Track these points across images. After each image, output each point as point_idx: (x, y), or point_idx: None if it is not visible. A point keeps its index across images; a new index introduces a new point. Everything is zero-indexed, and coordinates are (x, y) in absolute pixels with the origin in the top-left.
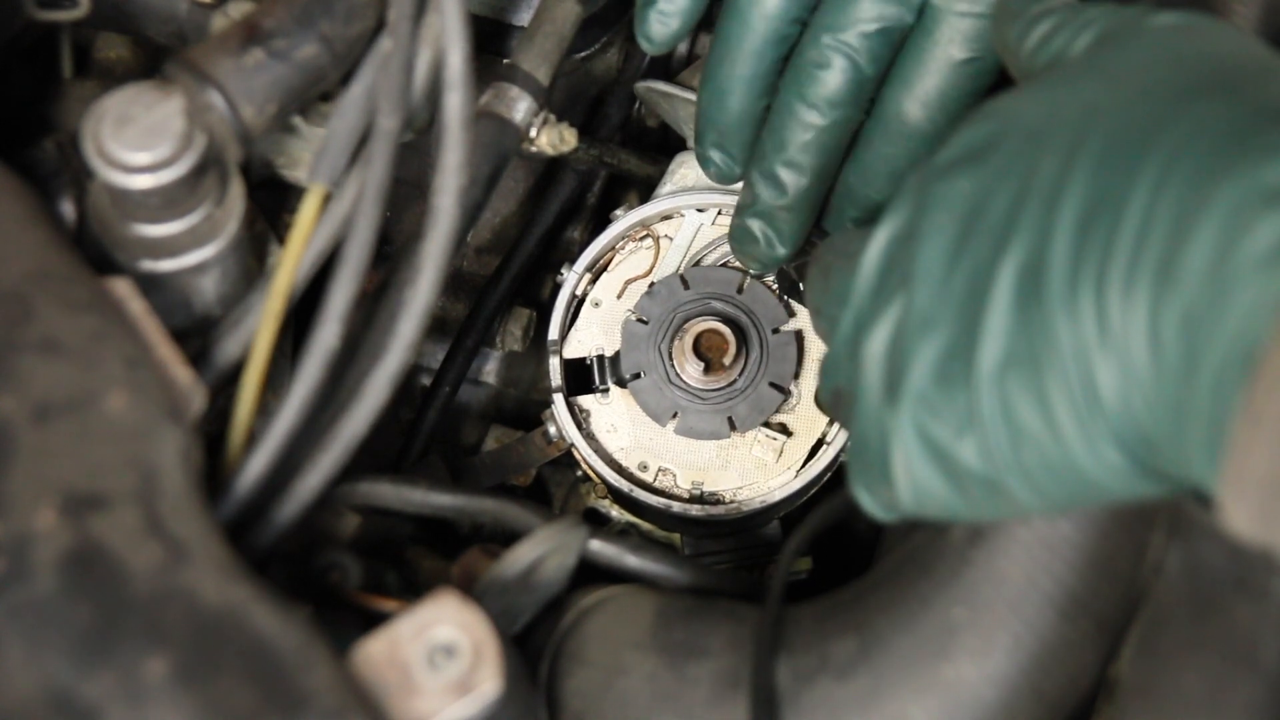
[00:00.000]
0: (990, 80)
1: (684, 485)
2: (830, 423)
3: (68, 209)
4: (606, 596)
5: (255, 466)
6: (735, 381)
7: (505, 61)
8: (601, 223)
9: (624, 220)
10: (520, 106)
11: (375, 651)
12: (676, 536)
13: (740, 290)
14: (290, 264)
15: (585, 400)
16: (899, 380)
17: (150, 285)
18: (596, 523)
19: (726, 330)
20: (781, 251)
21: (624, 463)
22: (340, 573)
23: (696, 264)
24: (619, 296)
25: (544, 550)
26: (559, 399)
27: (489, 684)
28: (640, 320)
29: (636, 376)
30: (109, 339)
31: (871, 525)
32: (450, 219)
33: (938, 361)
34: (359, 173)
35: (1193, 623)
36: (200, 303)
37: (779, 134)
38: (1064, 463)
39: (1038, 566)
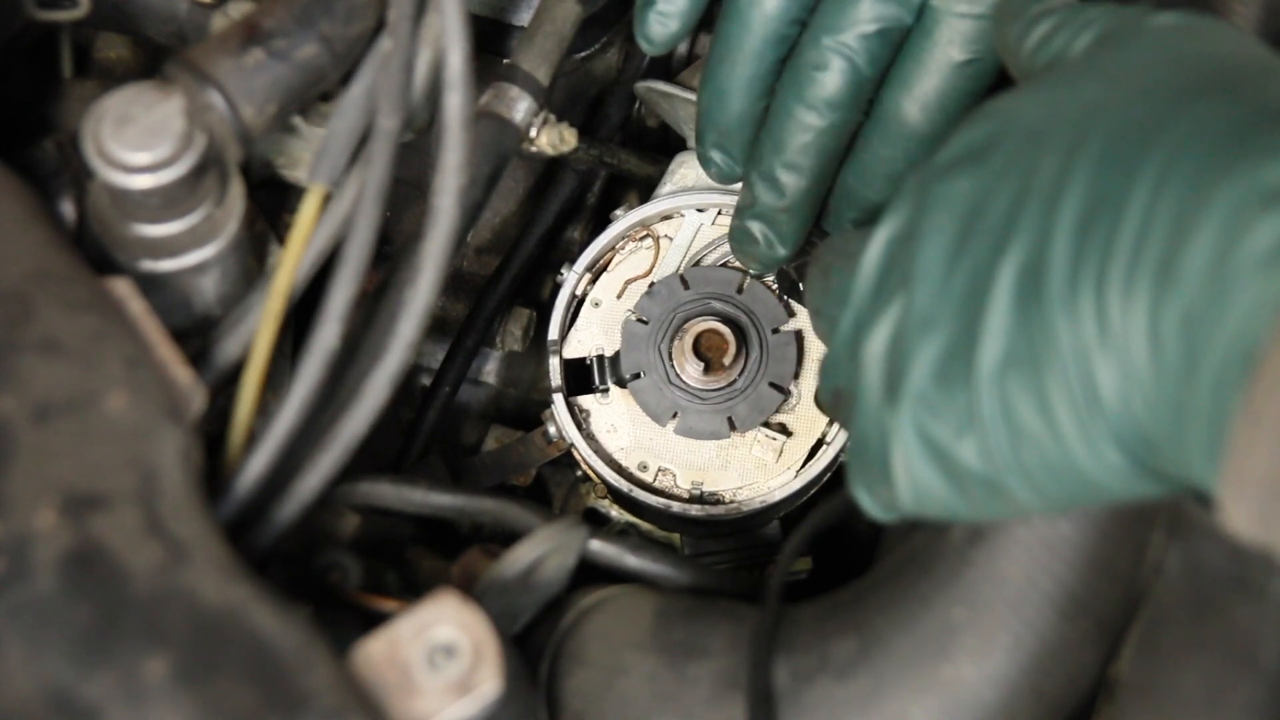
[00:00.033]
0: (989, 81)
1: (684, 485)
2: (830, 423)
3: (68, 209)
4: (606, 596)
5: (255, 466)
6: (735, 381)
7: (505, 61)
8: (601, 223)
9: (624, 220)
10: (520, 106)
11: (375, 651)
12: (676, 536)
13: (740, 290)
14: (290, 264)
15: (585, 400)
16: (899, 380)
17: (150, 285)
18: (596, 523)
19: (726, 330)
20: (781, 252)
21: (624, 463)
22: (340, 573)
23: (696, 264)
24: (619, 296)
25: (544, 550)
26: (559, 399)
27: (489, 684)
28: (640, 320)
29: (636, 376)
30: (109, 339)
31: (871, 525)
32: (450, 219)
33: (938, 361)
34: (359, 173)
35: (1193, 623)
36: (200, 303)
37: (778, 136)
38: (1064, 463)
39: (1038, 566)
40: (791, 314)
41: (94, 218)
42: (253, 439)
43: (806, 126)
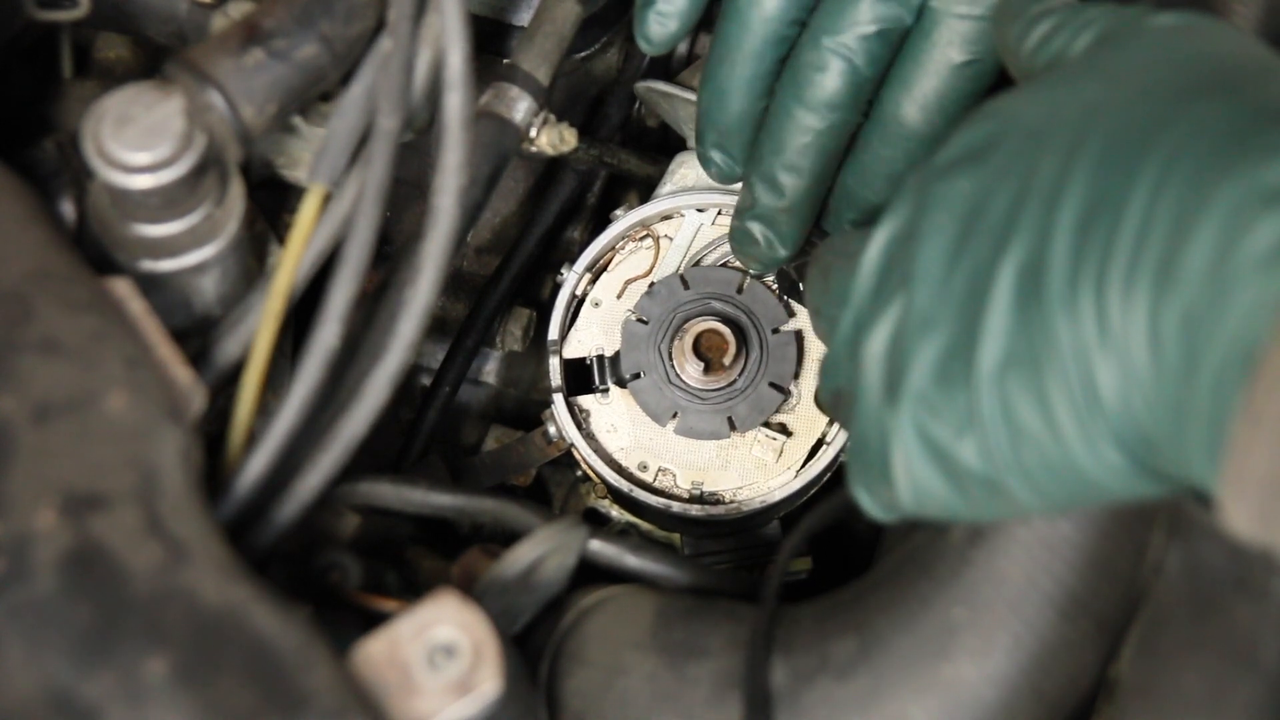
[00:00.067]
0: (989, 82)
1: (684, 485)
2: (830, 423)
3: (68, 209)
4: (606, 596)
5: (255, 466)
6: (735, 381)
7: (505, 61)
8: (601, 223)
9: (624, 220)
10: (520, 106)
11: (375, 651)
12: (676, 536)
13: (740, 290)
14: (290, 264)
15: (585, 400)
16: (899, 380)
17: (150, 285)
18: (596, 523)
19: (726, 330)
20: (782, 253)
21: (624, 463)
22: (340, 573)
23: (696, 264)
24: (619, 296)
25: (544, 550)
26: (559, 399)
27: (489, 684)
28: (640, 320)
29: (636, 376)
30: (109, 339)
31: (871, 525)
32: (450, 219)
33: (938, 361)
34: (359, 173)
35: (1193, 623)
36: (200, 303)
37: (777, 137)
38: (1064, 463)
39: (1038, 566)
40: (791, 314)
41: (94, 218)
42: (253, 439)
43: (806, 128)
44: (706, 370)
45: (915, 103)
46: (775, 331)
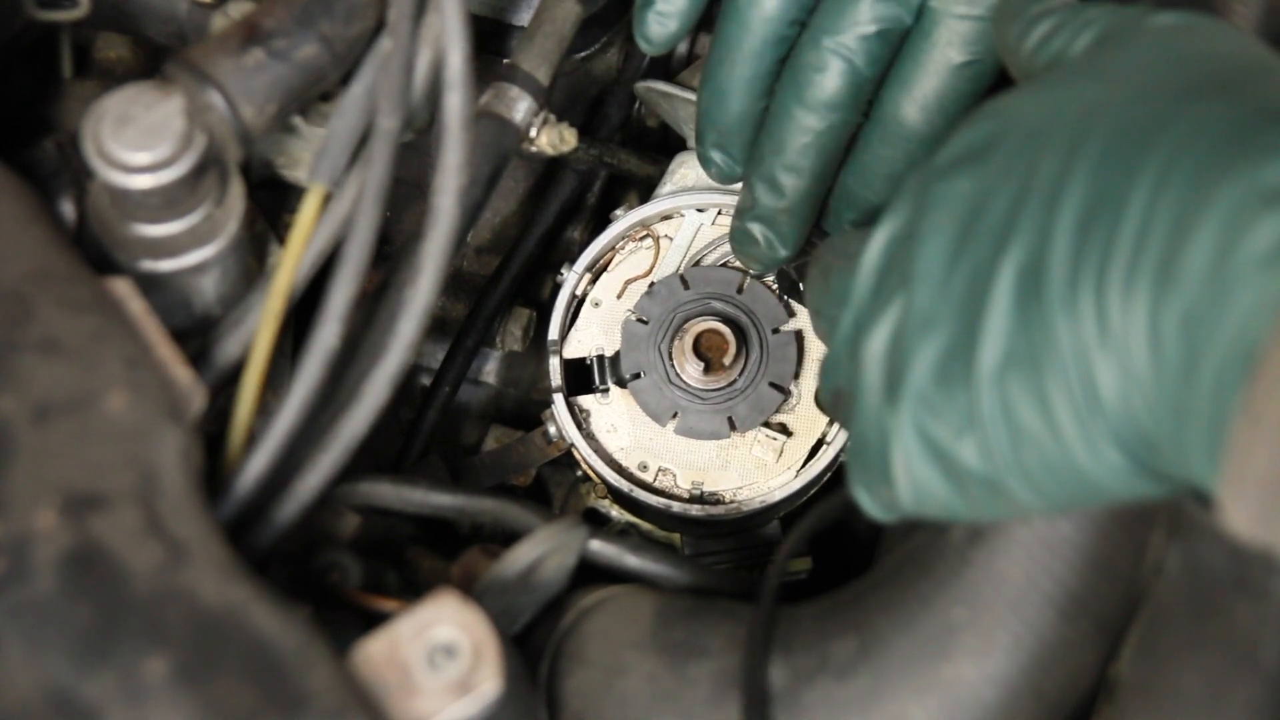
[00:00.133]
0: (989, 83)
1: (684, 485)
2: (830, 423)
3: (68, 209)
4: (606, 596)
5: (255, 466)
6: (735, 381)
7: (505, 61)
8: (601, 223)
9: (624, 220)
10: (520, 106)
11: (375, 651)
12: (676, 536)
13: (740, 290)
14: (290, 264)
15: (585, 400)
16: (899, 380)
17: (150, 285)
18: (596, 523)
19: (726, 330)
20: (782, 253)
21: (624, 463)
22: (340, 573)
23: (696, 264)
24: (619, 296)
25: (544, 550)
26: (559, 399)
27: (489, 684)
28: (640, 320)
29: (636, 376)
30: (109, 339)
31: (871, 525)
32: (450, 219)
33: (938, 361)
34: (359, 173)
35: (1193, 623)
36: (200, 303)
37: (777, 137)
38: (1064, 463)
39: (1038, 566)
40: (792, 314)
41: (94, 218)
42: (253, 439)
43: (806, 128)
44: (706, 370)
45: (915, 103)
46: (775, 331)
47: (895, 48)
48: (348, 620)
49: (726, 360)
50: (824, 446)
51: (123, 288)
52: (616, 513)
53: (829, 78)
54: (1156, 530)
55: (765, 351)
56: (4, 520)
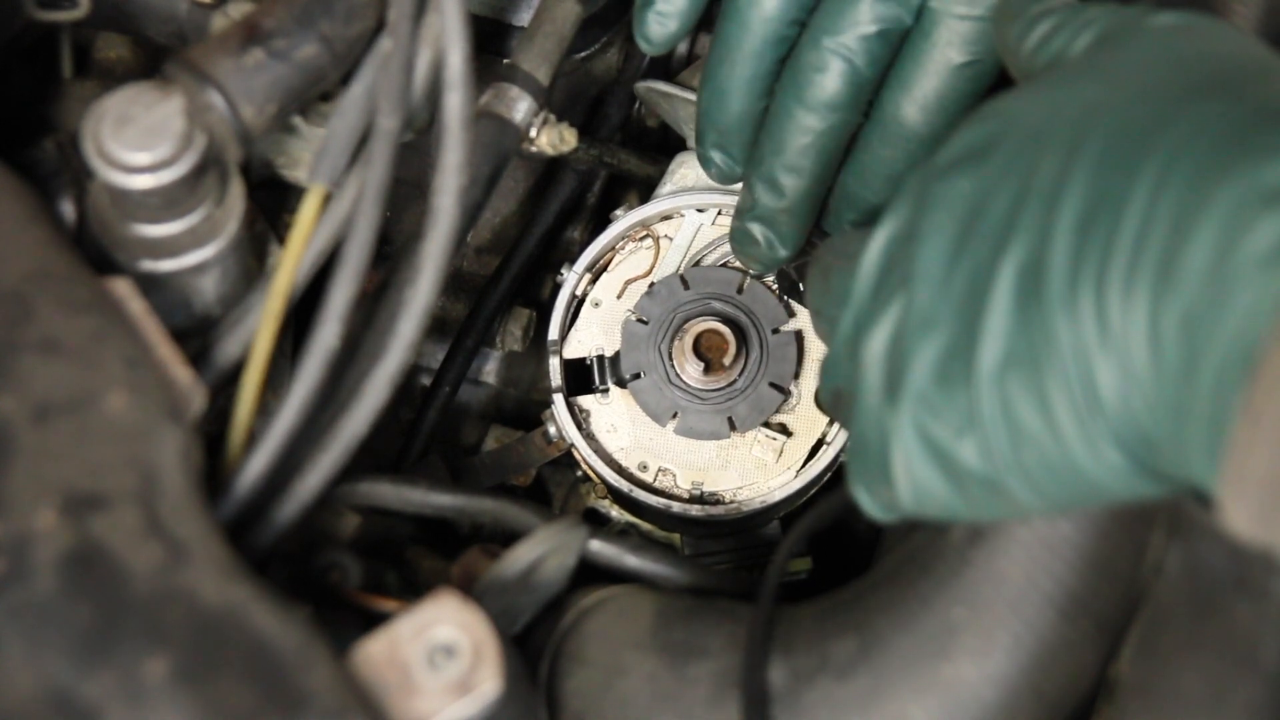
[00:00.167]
0: (989, 83)
1: (684, 485)
2: (830, 423)
3: (68, 209)
4: (606, 596)
5: (255, 466)
6: (735, 381)
7: (505, 61)
8: (601, 223)
9: (624, 220)
10: (520, 106)
11: (375, 651)
12: (676, 536)
13: (740, 290)
14: (290, 264)
15: (585, 400)
16: (899, 380)
17: (150, 285)
18: (596, 523)
19: (726, 330)
20: (782, 253)
21: (624, 463)
22: (340, 573)
23: (696, 264)
24: (619, 296)
25: (544, 550)
26: (559, 399)
27: (489, 684)
28: (640, 320)
29: (636, 376)
30: (109, 339)
31: (871, 525)
32: (450, 219)
33: (938, 361)
34: (359, 173)
35: (1193, 623)
36: (200, 303)
37: (777, 137)
38: (1064, 463)
39: (1038, 566)
40: (792, 314)
41: (94, 218)
42: (253, 439)
43: (806, 128)
44: (706, 370)
45: (915, 103)
46: (775, 331)
47: (895, 48)
48: (348, 620)
49: (726, 360)
50: (824, 446)
51: (123, 288)
52: (616, 513)
53: (829, 78)
54: (1156, 530)
55: (765, 352)
56: (4, 520)
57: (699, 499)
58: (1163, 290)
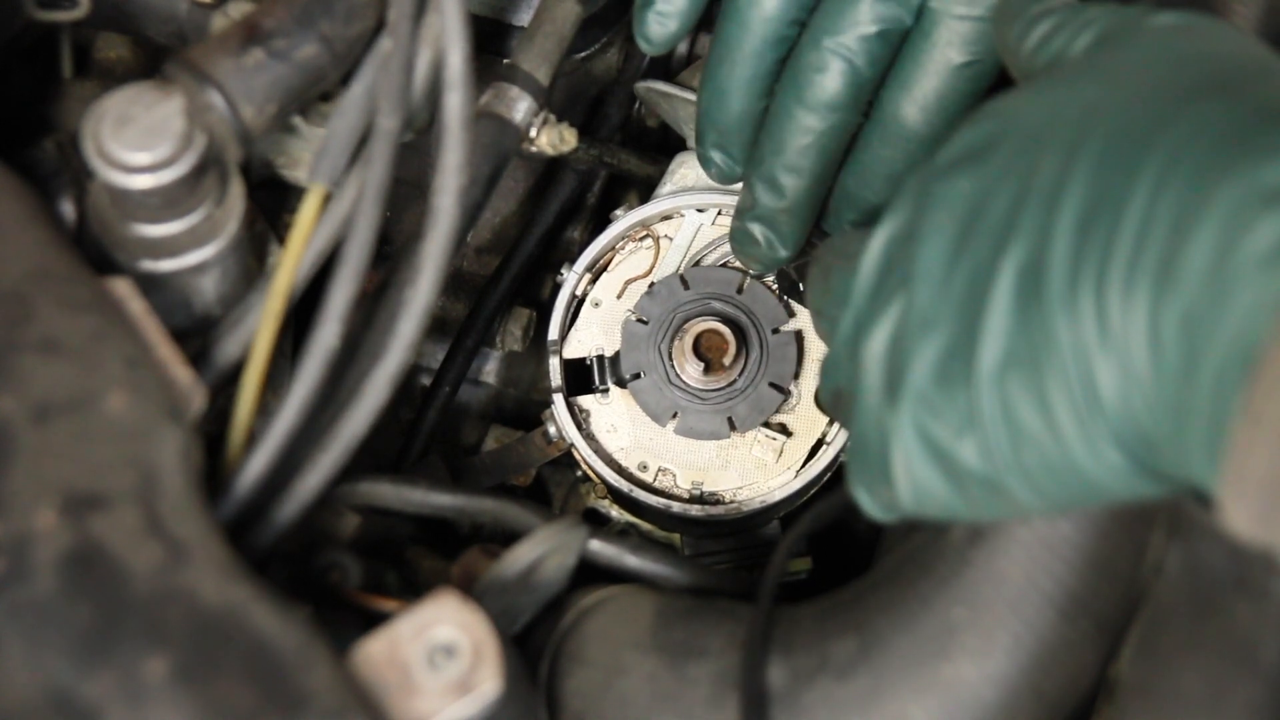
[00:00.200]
0: (988, 83)
1: (684, 485)
2: (830, 423)
3: (68, 209)
4: (606, 596)
5: (255, 466)
6: (735, 381)
7: (505, 61)
8: (601, 223)
9: (624, 220)
10: (520, 106)
11: (375, 651)
12: (676, 536)
13: (740, 290)
14: (290, 264)
15: (585, 400)
16: (899, 380)
17: (150, 285)
18: (596, 523)
19: (726, 330)
20: (783, 253)
21: (624, 463)
22: (340, 573)
23: (696, 264)
24: (619, 296)
25: (544, 550)
26: (559, 399)
27: (489, 684)
28: (640, 320)
29: (636, 376)
30: (109, 339)
31: (871, 525)
32: (450, 219)
33: (938, 361)
34: (359, 173)
35: (1193, 623)
36: (200, 303)
37: (777, 137)
38: (1064, 463)
39: (1038, 566)
40: (791, 314)
41: (94, 218)
42: (253, 439)
43: (806, 129)
44: (706, 370)
45: (915, 103)
46: (775, 331)
47: (895, 48)
48: (348, 620)
49: (726, 360)
50: (824, 446)
51: (123, 288)
52: (616, 513)
53: (829, 78)
54: (1156, 530)
55: (765, 351)
56: (4, 520)
57: (699, 499)
58: (1163, 290)
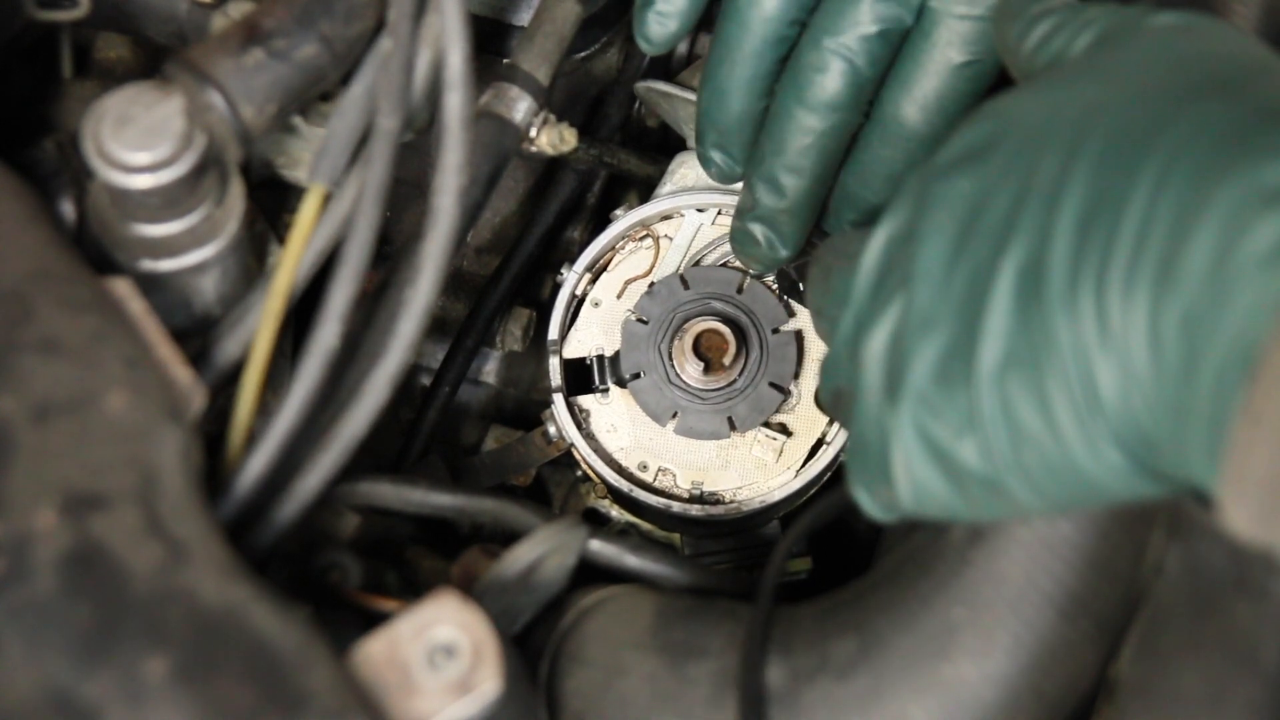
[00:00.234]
0: (988, 83)
1: (684, 485)
2: (830, 423)
3: (68, 209)
4: (606, 596)
5: (255, 466)
6: (735, 381)
7: (505, 61)
8: (601, 223)
9: (624, 220)
10: (520, 106)
11: (375, 651)
12: (676, 536)
13: (740, 290)
14: (290, 264)
15: (585, 400)
16: (899, 380)
17: (150, 285)
18: (596, 523)
19: (726, 330)
20: (783, 253)
21: (624, 463)
22: (340, 573)
23: (696, 264)
24: (619, 296)
25: (544, 550)
26: (559, 399)
27: (489, 684)
28: (640, 320)
29: (636, 376)
30: (109, 339)
31: (871, 525)
32: (450, 219)
33: (938, 361)
34: (359, 173)
35: (1193, 623)
36: (200, 303)
37: (778, 138)
38: (1064, 463)
39: (1038, 566)
40: (791, 314)
41: (94, 218)
42: (253, 439)
43: (807, 129)
44: (706, 370)
45: (915, 103)
46: (775, 331)
47: (896, 48)
48: (348, 620)
49: (726, 360)
50: (824, 446)
51: (123, 288)
52: (616, 513)
53: (830, 78)
54: (1156, 530)
55: (765, 351)
56: (4, 520)
57: (699, 499)
58: (1163, 290)
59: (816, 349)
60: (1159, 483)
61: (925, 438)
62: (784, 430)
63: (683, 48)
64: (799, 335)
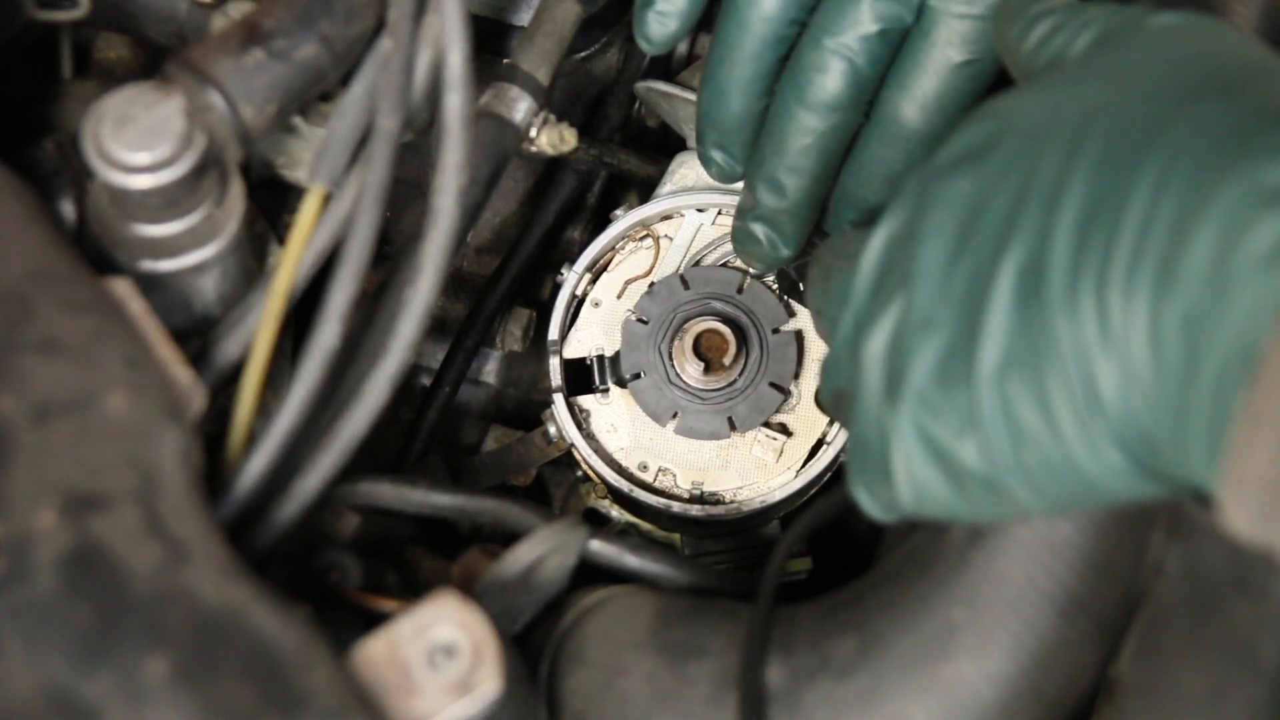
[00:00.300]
0: (988, 82)
1: (684, 485)
2: (830, 423)
3: (68, 209)
4: (606, 596)
5: (255, 466)
6: (735, 381)
7: (505, 61)
8: (601, 223)
9: (624, 220)
10: (520, 106)
11: (375, 651)
12: (676, 536)
13: (740, 290)
14: (290, 264)
15: (585, 400)
16: (899, 380)
17: (150, 285)
18: (596, 523)
19: (726, 330)
20: (784, 253)
21: (624, 463)
22: (340, 573)
23: (696, 264)
24: (619, 296)
25: (544, 550)
26: (559, 399)
27: (489, 684)
28: (640, 320)
29: (636, 376)
30: (109, 339)
31: (871, 525)
32: (450, 219)
33: (938, 361)
34: (359, 173)
35: (1193, 623)
36: (200, 303)
37: (778, 138)
38: (1064, 463)
39: (1038, 566)
40: (792, 314)
41: (94, 218)
42: (253, 439)
43: (807, 129)
44: (706, 370)
45: (915, 103)
46: (775, 331)
47: (896, 47)
48: (348, 620)
49: (726, 360)
50: (824, 446)
51: (123, 288)
52: (616, 513)
53: (830, 78)
54: (1156, 530)
55: (765, 351)
56: (4, 520)
57: (699, 499)
58: (1163, 290)
59: (817, 349)
60: (1159, 483)
61: (925, 438)
62: (784, 430)
63: (683, 48)
64: (799, 335)
